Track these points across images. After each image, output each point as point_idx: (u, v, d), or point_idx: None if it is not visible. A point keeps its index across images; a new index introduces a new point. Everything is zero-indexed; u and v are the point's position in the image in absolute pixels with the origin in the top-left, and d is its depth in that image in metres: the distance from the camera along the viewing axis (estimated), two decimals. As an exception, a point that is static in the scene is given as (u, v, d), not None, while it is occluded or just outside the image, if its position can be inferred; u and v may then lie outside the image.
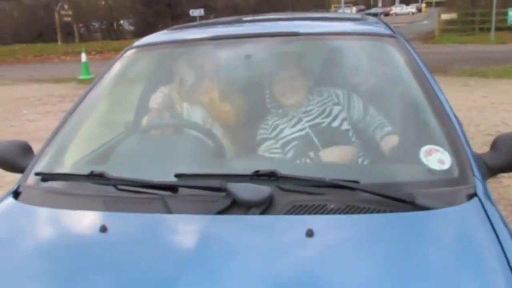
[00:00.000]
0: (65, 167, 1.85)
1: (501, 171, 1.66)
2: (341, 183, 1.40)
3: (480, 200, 1.40)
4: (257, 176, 1.46)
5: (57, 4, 30.38)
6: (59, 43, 28.99)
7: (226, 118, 2.18)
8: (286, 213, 1.36)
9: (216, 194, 1.42)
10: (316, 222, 1.31)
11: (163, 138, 2.10)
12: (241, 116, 2.20)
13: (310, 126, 1.98)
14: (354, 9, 56.11)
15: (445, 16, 25.48)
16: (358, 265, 1.18)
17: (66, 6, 30.33)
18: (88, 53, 16.45)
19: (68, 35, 31.30)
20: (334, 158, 1.87)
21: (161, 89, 2.32)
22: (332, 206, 1.37)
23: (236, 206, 1.39)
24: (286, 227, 1.32)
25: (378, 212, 1.35)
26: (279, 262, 1.21)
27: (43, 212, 1.54)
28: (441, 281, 1.13)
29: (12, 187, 1.73)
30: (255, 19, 2.66)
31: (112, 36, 32.48)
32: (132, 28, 34.77)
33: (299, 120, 2.01)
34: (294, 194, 1.42)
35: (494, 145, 1.69)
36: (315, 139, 1.95)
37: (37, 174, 1.70)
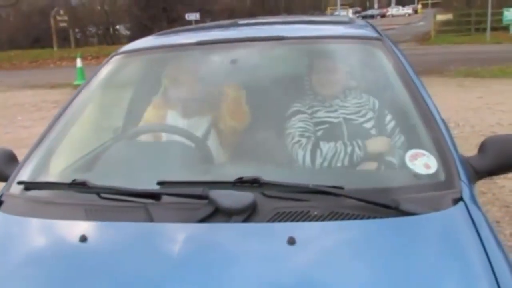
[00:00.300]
0: (50, 176, 1.83)
1: (488, 174, 1.64)
2: (325, 189, 1.38)
3: (465, 204, 1.38)
4: (240, 183, 1.44)
5: (53, 9, 30.37)
6: (55, 48, 28.98)
7: (239, 119, 2.15)
8: (269, 221, 1.34)
9: (199, 201, 1.40)
10: (298, 230, 1.29)
11: (150, 145, 2.08)
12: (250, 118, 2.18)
13: (345, 119, 1.98)
14: (350, 11, 56.27)
15: (440, 17, 25.55)
16: (339, 273, 1.16)
17: (61, 12, 30.34)
18: (84, 58, 16.44)
19: (64, 41, 31.27)
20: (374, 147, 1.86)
21: (148, 95, 2.31)
22: (315, 213, 1.35)
23: (218, 213, 1.37)
24: (268, 235, 1.30)
25: (362, 218, 1.33)
26: (260, 270, 1.19)
27: (24, 222, 1.52)
28: (424, 287, 1.11)
29: (-6, 196, 1.71)
30: (243, 23, 2.65)
31: (108, 41, 32.49)
32: (128, 32, 34.77)
33: (335, 110, 2.01)
34: (278, 200, 1.40)
35: (482, 148, 1.67)
36: (345, 130, 1.94)
37: (19, 183, 1.68)
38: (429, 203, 1.38)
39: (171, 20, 27.36)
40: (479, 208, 1.41)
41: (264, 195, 1.41)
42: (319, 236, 1.30)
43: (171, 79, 2.21)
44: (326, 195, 1.38)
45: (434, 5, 60.24)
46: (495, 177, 4.43)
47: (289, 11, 39.91)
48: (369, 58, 2.06)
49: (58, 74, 17.32)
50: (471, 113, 7.50)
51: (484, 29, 21.26)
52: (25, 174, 1.76)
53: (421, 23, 36.11)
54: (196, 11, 24.50)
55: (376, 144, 1.86)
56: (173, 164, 1.81)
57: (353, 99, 2.04)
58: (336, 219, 1.33)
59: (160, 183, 1.49)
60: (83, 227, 1.42)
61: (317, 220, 1.33)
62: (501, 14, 21.37)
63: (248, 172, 1.47)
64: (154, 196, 1.47)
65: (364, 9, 69.02)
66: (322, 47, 2.11)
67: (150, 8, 30.57)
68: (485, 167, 1.62)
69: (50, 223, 1.48)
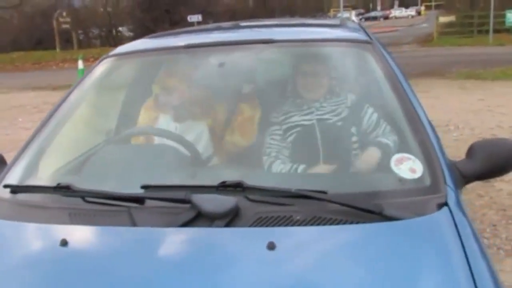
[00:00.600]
0: (38, 179, 1.82)
1: (476, 178, 1.63)
2: (307, 193, 1.37)
3: (450, 209, 1.37)
4: (224, 187, 1.43)
5: (56, 11, 30.44)
6: (58, 50, 29.03)
7: (249, 137, 2.14)
8: (251, 225, 1.33)
9: (181, 206, 1.39)
10: (279, 235, 1.28)
11: (139, 148, 2.08)
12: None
13: (318, 119, 1.97)
14: (353, 13, 56.14)
15: (443, 19, 25.47)
16: (316, 280, 1.15)
17: (64, 13, 30.40)
18: (86, 60, 16.48)
19: (67, 42, 31.31)
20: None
21: (140, 98, 2.31)
22: (298, 218, 1.34)
23: (200, 218, 1.36)
24: (248, 240, 1.30)
25: (345, 223, 1.32)
26: (237, 275, 1.18)
27: (7, 226, 1.51)
28: None
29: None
30: (235, 26, 2.65)
31: (111, 42, 32.52)
32: (131, 34, 34.81)
33: (311, 112, 2.01)
34: (261, 205, 1.39)
35: (470, 152, 1.65)
36: (317, 131, 1.94)
37: (5, 186, 1.68)
38: (413, 208, 1.36)
39: (173, 22, 27.35)
40: (464, 213, 1.39)
41: (248, 199, 1.40)
42: (299, 241, 1.29)
43: (159, 82, 2.20)
44: (309, 199, 1.37)
45: (437, 7, 60.11)
46: (492, 181, 4.43)
47: (291, 13, 39.90)
48: (358, 61, 2.05)
49: (60, 76, 17.37)
50: (472, 116, 7.47)
51: (487, 31, 21.18)
52: (12, 177, 1.75)
53: (424, 24, 36.04)
54: (198, 13, 24.50)
55: (369, 156, 1.84)
56: (160, 168, 1.81)
57: (338, 101, 2.03)
58: (318, 224, 1.32)
59: (144, 187, 1.48)
60: (65, 231, 1.41)
61: (299, 225, 1.32)
62: (503, 16, 21.28)
63: (234, 176, 1.46)
64: (138, 200, 1.46)
65: (367, 11, 68.88)
66: (311, 50, 2.10)
67: (152, 10, 30.60)
68: (472, 172, 1.60)
69: (33, 227, 1.47)
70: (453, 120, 7.20)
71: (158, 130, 2.14)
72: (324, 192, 1.38)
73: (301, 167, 1.84)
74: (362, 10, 68.20)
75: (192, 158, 1.90)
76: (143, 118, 2.27)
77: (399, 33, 29.58)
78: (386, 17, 61.61)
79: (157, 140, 2.12)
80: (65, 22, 30.09)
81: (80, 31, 34.61)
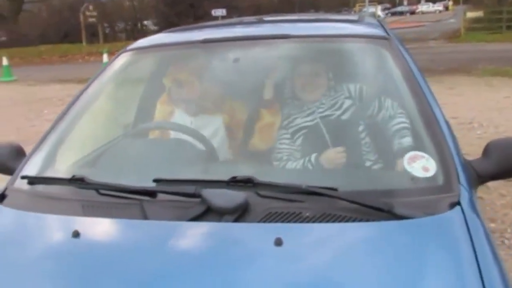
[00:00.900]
0: (55, 170, 1.85)
1: (491, 178, 1.60)
2: (318, 190, 1.37)
3: (462, 209, 1.34)
4: (234, 182, 1.43)
5: (83, 5, 30.86)
6: (84, 43, 29.45)
7: (268, 142, 2.15)
8: (260, 221, 1.33)
9: (192, 200, 1.40)
10: (287, 231, 1.28)
11: (154, 142, 2.10)
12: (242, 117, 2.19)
13: (321, 117, 1.98)
14: (379, 7, 55.42)
15: (470, 14, 24.95)
16: (322, 277, 1.14)
17: (91, 7, 30.82)
18: (111, 54, 16.65)
19: (93, 36, 31.76)
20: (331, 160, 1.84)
21: (157, 92, 2.33)
22: (307, 214, 1.33)
23: (210, 212, 1.37)
24: (256, 236, 1.30)
25: (355, 220, 1.31)
26: (242, 270, 1.18)
27: (23, 216, 1.54)
28: None
29: (-1, 190, 1.75)
30: (255, 21, 2.64)
31: (136, 36, 32.86)
32: (156, 28, 35.09)
33: (312, 112, 2.01)
34: (271, 201, 1.39)
35: (486, 151, 1.63)
36: (324, 130, 1.94)
37: (23, 177, 1.71)
38: (424, 207, 1.35)
39: (197, 16, 27.49)
40: (477, 213, 1.37)
41: (258, 195, 1.41)
42: (307, 238, 1.28)
43: (171, 76, 2.22)
44: (320, 196, 1.36)
45: (465, 1, 58.91)
46: (515, 180, 4.33)
47: (316, 8, 39.64)
48: (374, 57, 2.02)
49: (86, 69, 17.59)
50: (496, 113, 7.31)
51: (516, 27, 20.71)
52: (30, 169, 1.79)
53: (452, 20, 35.38)
54: (223, 7, 24.55)
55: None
56: (174, 162, 1.82)
57: (332, 93, 2.02)
58: (327, 221, 1.31)
59: (156, 181, 1.50)
60: (78, 222, 1.43)
61: (308, 222, 1.32)
62: (533, 12, 20.79)
63: (245, 172, 1.46)
64: (150, 193, 1.48)
65: (394, 5, 67.93)
66: (328, 46, 2.09)
67: (176, 5, 30.80)
68: (488, 171, 1.57)
69: (47, 218, 1.50)
70: (477, 117, 7.06)
71: (175, 124, 2.15)
72: (334, 189, 1.37)
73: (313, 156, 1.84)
74: (388, 5, 67.30)
75: (207, 153, 1.91)
76: (159, 112, 2.29)
77: (425, 29, 29.10)
78: (412, 12, 60.69)
79: (172, 134, 2.14)
80: (92, 16, 30.53)
81: (106, 25, 35.04)
